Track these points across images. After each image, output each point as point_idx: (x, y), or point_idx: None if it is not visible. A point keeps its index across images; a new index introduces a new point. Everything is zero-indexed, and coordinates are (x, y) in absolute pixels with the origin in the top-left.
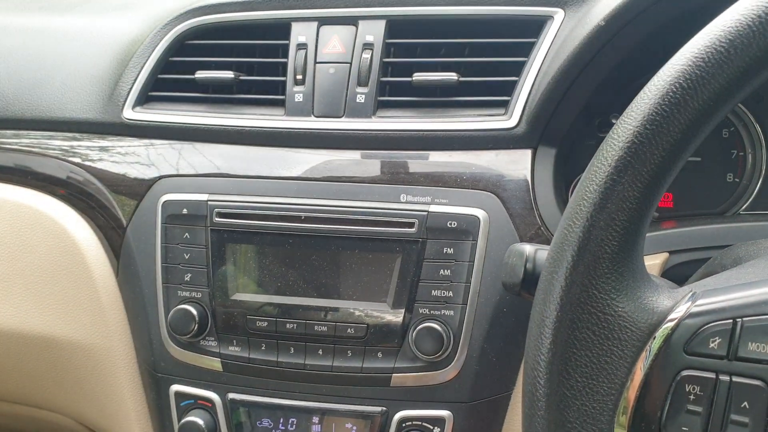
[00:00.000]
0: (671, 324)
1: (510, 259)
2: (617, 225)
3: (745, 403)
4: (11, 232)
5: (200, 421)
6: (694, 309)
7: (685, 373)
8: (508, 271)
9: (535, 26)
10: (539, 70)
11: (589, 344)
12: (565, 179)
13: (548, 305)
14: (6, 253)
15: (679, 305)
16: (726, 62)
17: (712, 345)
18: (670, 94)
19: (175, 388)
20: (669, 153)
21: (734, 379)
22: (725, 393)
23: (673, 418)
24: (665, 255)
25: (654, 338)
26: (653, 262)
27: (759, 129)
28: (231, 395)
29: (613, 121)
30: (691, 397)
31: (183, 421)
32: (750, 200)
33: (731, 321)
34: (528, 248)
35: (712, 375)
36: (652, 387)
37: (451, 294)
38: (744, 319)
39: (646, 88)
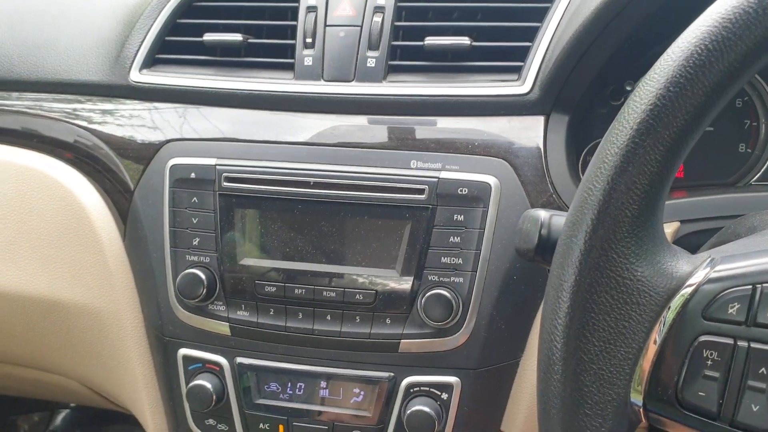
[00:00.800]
0: (690, 289)
1: (524, 224)
2: (638, 189)
3: (763, 369)
4: (18, 196)
5: (208, 385)
6: (713, 274)
7: (702, 338)
8: (522, 236)
9: None
10: (553, 35)
11: (607, 308)
12: (576, 147)
13: (567, 269)
14: (12, 216)
15: (697, 270)
16: (754, 23)
17: (730, 311)
18: (695, 55)
19: (183, 351)
20: (692, 116)
21: (752, 345)
22: (743, 359)
23: (690, 383)
24: (677, 224)
25: (672, 303)
26: (665, 231)
27: None
28: (239, 359)
29: (628, 88)
30: (709, 362)
31: (191, 384)
32: (762, 171)
33: (750, 287)
34: (543, 214)
35: (730, 341)
36: (669, 352)
37: (460, 261)
38: (763, 285)
39: (669, 50)
